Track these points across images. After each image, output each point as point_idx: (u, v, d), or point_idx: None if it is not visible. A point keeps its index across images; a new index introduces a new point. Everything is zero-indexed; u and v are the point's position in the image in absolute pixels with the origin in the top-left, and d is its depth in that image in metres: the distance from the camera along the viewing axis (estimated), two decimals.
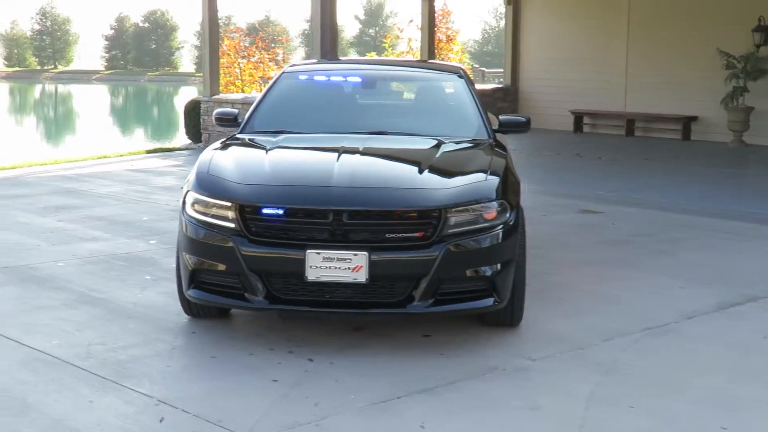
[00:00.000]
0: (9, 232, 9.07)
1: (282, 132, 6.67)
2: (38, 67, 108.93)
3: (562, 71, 21.88)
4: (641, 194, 12.13)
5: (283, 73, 7.46)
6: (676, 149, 17.89)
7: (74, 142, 32.19)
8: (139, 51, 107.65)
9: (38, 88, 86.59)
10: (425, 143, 6.30)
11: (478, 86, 24.73)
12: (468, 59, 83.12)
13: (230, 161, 5.87)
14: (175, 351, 5.48)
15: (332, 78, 7.50)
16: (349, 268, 5.25)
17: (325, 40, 16.16)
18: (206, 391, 4.84)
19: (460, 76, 7.28)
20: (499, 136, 6.87)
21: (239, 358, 5.36)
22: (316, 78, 7.52)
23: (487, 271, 5.49)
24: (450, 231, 5.37)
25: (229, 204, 5.44)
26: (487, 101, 22.21)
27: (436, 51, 27.92)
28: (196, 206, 5.61)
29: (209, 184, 5.64)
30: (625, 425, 4.50)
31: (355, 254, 5.25)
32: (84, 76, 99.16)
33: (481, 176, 5.69)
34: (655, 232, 9.63)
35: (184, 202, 5.74)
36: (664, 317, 6.33)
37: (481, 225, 5.47)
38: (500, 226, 5.54)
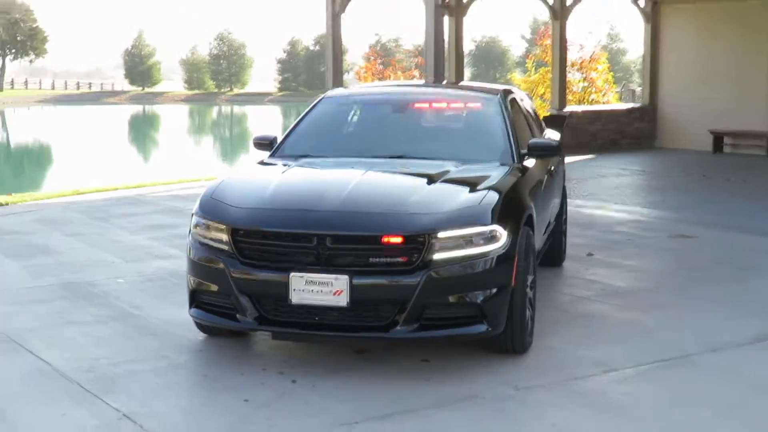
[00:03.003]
0: (96, 249, 9.54)
1: (307, 156, 6.80)
2: (215, 90, 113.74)
3: (701, 90, 21.16)
4: (750, 218, 11.60)
5: (323, 97, 7.59)
6: None
7: (245, 160, 33.43)
8: (309, 73, 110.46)
9: (215, 109, 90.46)
10: (437, 167, 6.26)
11: (619, 106, 24.25)
12: (636, 78, 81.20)
13: (237, 185, 6.02)
14: (171, 368, 5.65)
15: (365, 103, 7.58)
16: (330, 291, 5.30)
17: (439, 63, 16.23)
18: (176, 408, 4.99)
19: (498, 100, 7.19)
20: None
21: (228, 377, 5.48)
22: (351, 103, 7.61)
23: (477, 297, 5.41)
24: (435, 257, 5.33)
25: (223, 227, 5.60)
26: (623, 121, 21.86)
27: (581, 70, 27.59)
28: (198, 229, 5.80)
29: (209, 208, 5.81)
30: None
31: (336, 278, 5.29)
32: (258, 98, 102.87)
33: (475, 201, 5.62)
34: (740, 258, 9.21)
35: (190, 225, 5.94)
36: (686, 349, 6.06)
37: (470, 251, 5.40)
38: (492, 252, 5.45)
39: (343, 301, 5.29)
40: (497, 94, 7.30)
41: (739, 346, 6.18)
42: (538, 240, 6.81)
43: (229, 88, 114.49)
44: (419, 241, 5.33)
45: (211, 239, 5.68)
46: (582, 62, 27.43)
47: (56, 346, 6.10)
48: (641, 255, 9.35)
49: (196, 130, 66.07)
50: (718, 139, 20.74)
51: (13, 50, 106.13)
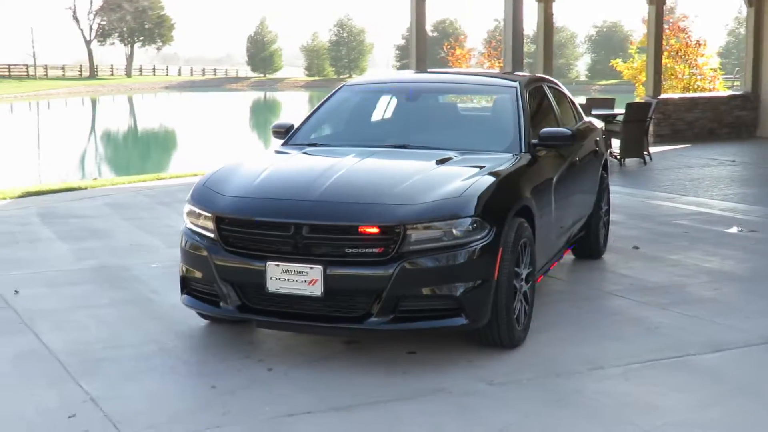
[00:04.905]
0: (146, 233, 9.78)
1: (315, 145, 6.81)
2: (335, 76, 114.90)
3: None
4: None
5: (342, 86, 7.57)
6: None
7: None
8: (430, 59, 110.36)
9: None
10: (436, 157, 6.17)
11: (719, 93, 23.39)
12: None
13: (230, 174, 6.05)
14: (158, 352, 5.74)
15: (383, 91, 7.52)
16: (305, 281, 5.30)
17: (518, 50, 16.01)
18: (143, 392, 5.07)
19: (514, 89, 7.02)
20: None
21: (208, 363, 5.56)
22: (368, 92, 7.57)
23: (454, 289, 5.33)
24: (411, 248, 5.26)
25: (209, 215, 5.66)
26: (722, 110, 21.10)
27: (686, 56, 26.75)
28: (189, 217, 5.89)
29: (200, 196, 5.88)
30: None
31: (311, 267, 5.28)
32: None
33: (459, 191, 5.51)
34: None
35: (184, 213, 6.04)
36: (687, 348, 5.84)
37: (447, 242, 5.31)
38: (471, 245, 5.35)
39: (317, 290, 5.29)
40: (515, 82, 7.13)
41: (744, 347, 5.92)
42: (549, 232, 6.65)
43: (348, 75, 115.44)
44: (395, 232, 5.28)
45: (200, 227, 5.75)
46: (687, 47, 26.62)
47: (61, 328, 6.28)
48: (689, 249, 9.03)
49: None
50: None
51: (141, 38, 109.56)
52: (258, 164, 6.22)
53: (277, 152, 6.78)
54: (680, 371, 5.46)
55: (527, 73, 8.56)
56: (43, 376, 5.34)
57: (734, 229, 10.08)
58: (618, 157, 16.16)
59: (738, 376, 5.39)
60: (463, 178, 5.72)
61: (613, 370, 5.44)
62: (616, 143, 16.43)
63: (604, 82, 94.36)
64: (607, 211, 8.83)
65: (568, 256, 8.45)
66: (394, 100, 7.42)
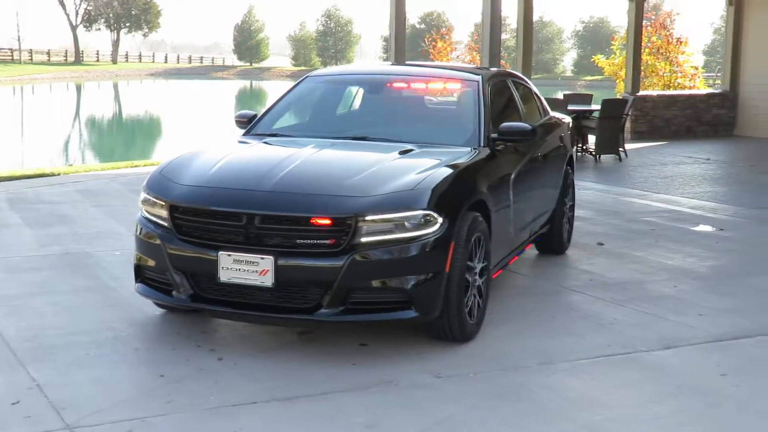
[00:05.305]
0: (113, 220, 9.76)
1: (276, 135, 6.83)
2: (321, 66, 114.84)
3: None
4: None
5: (306, 77, 7.58)
6: None
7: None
8: (414, 51, 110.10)
9: None
10: (393, 150, 6.19)
11: (697, 91, 23.47)
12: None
13: (187, 162, 6.05)
14: (111, 340, 5.74)
15: (345, 83, 7.53)
16: (256, 271, 5.31)
17: (495, 43, 16.03)
18: (90, 379, 5.07)
19: (476, 83, 7.04)
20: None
21: (159, 351, 5.57)
22: (331, 83, 7.58)
23: (405, 282, 5.35)
24: (362, 240, 5.29)
25: (163, 203, 5.67)
26: (700, 107, 21.16)
27: (667, 53, 26.82)
28: (144, 205, 5.89)
29: (155, 184, 5.89)
30: None
31: (262, 258, 5.30)
32: None
33: (412, 184, 5.53)
34: (755, 251, 8.89)
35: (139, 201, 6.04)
36: (638, 345, 5.88)
37: (399, 235, 5.33)
38: (423, 238, 5.37)
39: (268, 281, 5.30)
40: (478, 76, 7.15)
41: (695, 344, 5.97)
42: (507, 226, 6.67)
43: (334, 65, 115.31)
44: (347, 223, 5.29)
45: (154, 215, 5.76)
46: (669, 45, 26.67)
47: (17, 314, 6.27)
48: (654, 246, 9.08)
49: None
50: None
51: (128, 24, 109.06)
52: (216, 153, 6.22)
53: (239, 142, 6.79)
54: (628, 367, 5.50)
55: (493, 68, 8.59)
56: None
57: (711, 228, 10.13)
58: (593, 153, 16.23)
59: (685, 374, 5.43)
60: (418, 171, 5.74)
61: (562, 365, 5.49)
62: (592, 139, 16.49)
63: (589, 77, 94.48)
64: (572, 207, 8.87)
65: (532, 251, 8.49)
66: (358, 92, 7.44)
